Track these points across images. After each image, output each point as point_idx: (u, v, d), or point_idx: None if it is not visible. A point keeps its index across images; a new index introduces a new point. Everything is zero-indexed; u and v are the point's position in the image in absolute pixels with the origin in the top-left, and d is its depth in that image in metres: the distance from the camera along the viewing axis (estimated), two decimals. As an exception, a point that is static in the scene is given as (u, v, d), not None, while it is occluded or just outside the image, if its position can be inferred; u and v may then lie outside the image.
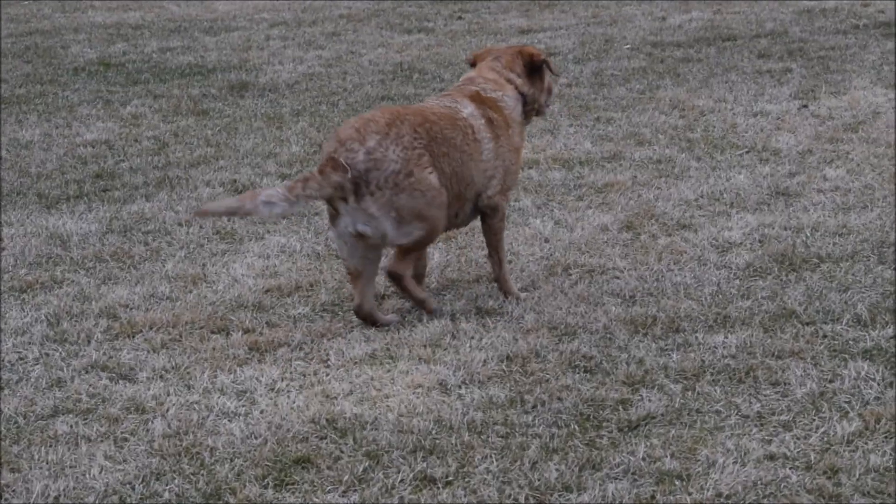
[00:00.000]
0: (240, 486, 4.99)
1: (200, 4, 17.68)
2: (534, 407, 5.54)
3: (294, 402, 5.65)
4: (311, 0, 17.56)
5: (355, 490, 4.96)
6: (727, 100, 10.77)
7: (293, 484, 5.01)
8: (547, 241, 7.56)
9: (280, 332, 6.37)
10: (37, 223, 8.17)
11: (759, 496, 4.81)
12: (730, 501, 4.80)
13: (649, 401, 5.53)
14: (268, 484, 5.01)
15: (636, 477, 4.97)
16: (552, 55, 13.04)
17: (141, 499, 4.96)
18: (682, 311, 6.42)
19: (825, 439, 5.18)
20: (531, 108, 6.95)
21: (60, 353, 6.24)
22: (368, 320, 6.44)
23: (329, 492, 4.95)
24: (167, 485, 5.03)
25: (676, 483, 4.91)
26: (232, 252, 7.58)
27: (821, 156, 9.04)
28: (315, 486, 4.99)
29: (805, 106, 10.45)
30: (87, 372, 6.02)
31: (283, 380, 5.89)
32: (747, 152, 9.21)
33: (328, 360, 6.07)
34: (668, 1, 16.18)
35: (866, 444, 5.13)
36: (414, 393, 5.71)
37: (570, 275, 7.02)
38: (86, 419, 5.57)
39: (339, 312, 6.64)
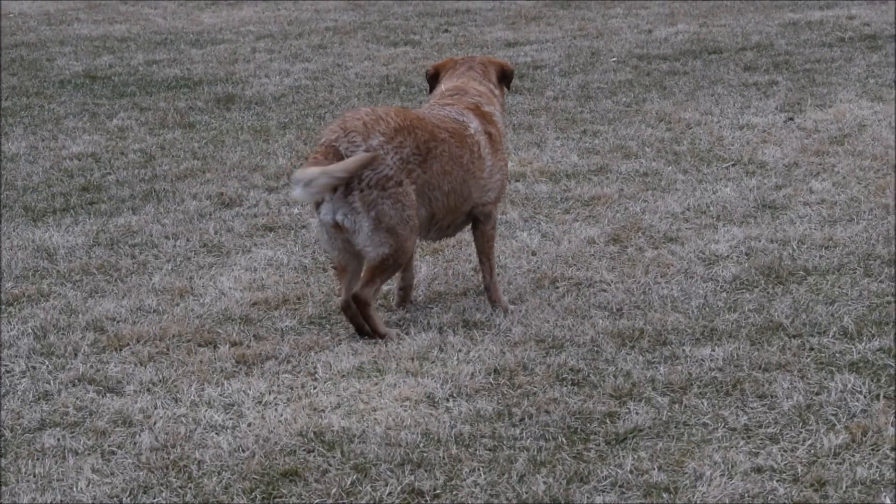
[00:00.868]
0: (227, 500, 4.98)
1: (186, 17, 17.69)
2: (521, 420, 5.54)
3: (282, 416, 5.64)
4: (298, 13, 17.58)
5: (343, 503, 4.95)
6: (713, 112, 10.79)
7: (281, 497, 5.01)
8: (534, 253, 7.57)
9: (267, 345, 6.37)
10: (23, 236, 8.15)
11: (747, 509, 4.83)
12: (717, 514, 4.82)
13: (637, 414, 5.53)
14: (255, 497, 5.01)
15: (624, 490, 4.97)
16: (538, 68, 13.07)
17: (128, 512, 4.97)
18: (669, 324, 6.43)
19: (812, 452, 5.19)
20: None
21: (47, 366, 6.23)
22: (355, 320, 6.42)
23: (317, 505, 4.96)
24: (154, 498, 5.02)
25: (664, 496, 4.91)
26: (219, 265, 7.58)
27: (807, 168, 9.06)
28: (303, 500, 4.99)
29: (791, 119, 10.47)
30: (74, 385, 6.01)
31: (270, 393, 5.88)
32: (734, 165, 9.23)
33: (316, 373, 6.07)
34: (654, 14, 16.22)
35: (853, 456, 5.14)
36: (402, 406, 5.70)
37: (558, 288, 7.03)
38: (73, 432, 5.56)
39: (327, 325, 6.64)
